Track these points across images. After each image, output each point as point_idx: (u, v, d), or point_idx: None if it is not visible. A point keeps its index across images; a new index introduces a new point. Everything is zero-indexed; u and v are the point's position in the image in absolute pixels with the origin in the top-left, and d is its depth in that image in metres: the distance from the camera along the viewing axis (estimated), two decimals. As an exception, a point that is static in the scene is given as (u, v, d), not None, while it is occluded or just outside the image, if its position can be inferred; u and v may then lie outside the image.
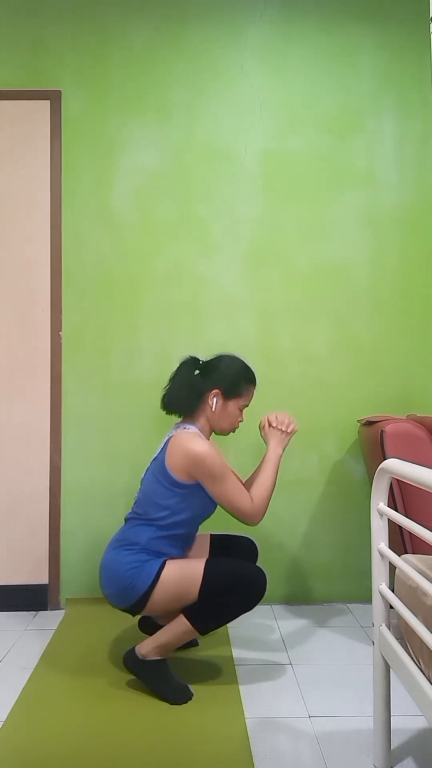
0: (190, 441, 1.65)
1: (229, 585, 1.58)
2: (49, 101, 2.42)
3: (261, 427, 1.83)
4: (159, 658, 1.64)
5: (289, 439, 1.81)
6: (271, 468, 1.74)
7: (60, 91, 2.43)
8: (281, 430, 1.79)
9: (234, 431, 1.82)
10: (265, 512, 1.71)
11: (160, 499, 1.68)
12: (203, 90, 2.46)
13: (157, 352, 2.40)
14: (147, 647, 1.64)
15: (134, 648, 1.67)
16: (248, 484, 1.77)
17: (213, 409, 1.75)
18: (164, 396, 1.78)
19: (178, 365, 1.81)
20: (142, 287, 2.42)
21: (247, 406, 1.80)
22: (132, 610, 1.65)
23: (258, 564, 1.66)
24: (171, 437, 1.72)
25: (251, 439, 2.32)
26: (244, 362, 1.82)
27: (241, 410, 1.79)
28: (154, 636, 1.66)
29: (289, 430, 1.79)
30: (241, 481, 1.80)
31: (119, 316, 2.41)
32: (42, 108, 2.42)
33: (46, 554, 2.34)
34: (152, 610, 1.64)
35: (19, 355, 2.38)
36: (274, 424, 1.79)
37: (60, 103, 2.42)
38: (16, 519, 2.34)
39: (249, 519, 1.68)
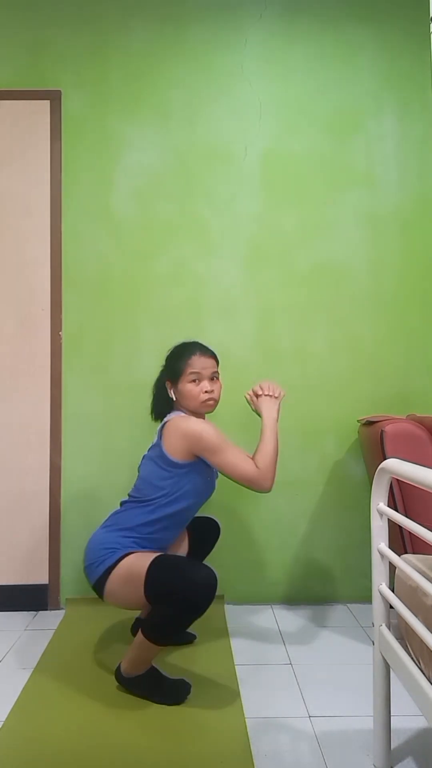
0: (184, 421, 1.70)
1: (171, 591, 1.50)
2: (49, 101, 2.42)
3: (249, 402, 1.86)
4: (142, 672, 1.63)
5: (280, 404, 1.82)
6: (270, 433, 1.74)
7: (60, 91, 2.43)
8: (270, 395, 1.81)
9: (210, 404, 1.76)
10: (273, 477, 1.68)
11: (157, 480, 1.70)
12: (203, 90, 2.46)
13: (157, 352, 2.38)
14: (125, 665, 1.64)
15: (119, 667, 1.67)
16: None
17: (175, 399, 1.79)
18: (151, 407, 1.88)
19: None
20: (142, 287, 2.42)
21: (199, 374, 1.74)
22: (96, 590, 1.65)
23: (209, 565, 1.56)
24: (165, 423, 1.75)
25: (251, 441, 2.32)
26: (179, 343, 1.85)
27: (196, 382, 1.74)
28: (126, 654, 1.65)
29: (277, 395, 1.82)
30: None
31: (119, 316, 2.41)
32: (42, 108, 2.42)
33: (46, 554, 2.34)
34: (111, 596, 1.62)
35: (19, 355, 2.38)
36: (260, 393, 1.82)
37: (60, 103, 2.43)
38: (16, 519, 2.34)
39: (257, 484, 1.66)
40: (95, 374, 2.39)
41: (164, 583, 1.52)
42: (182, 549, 1.92)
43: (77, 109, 2.44)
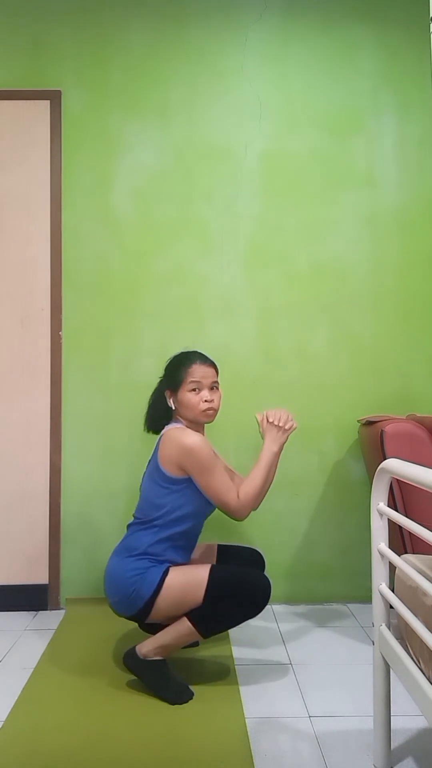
0: (181, 434, 1.68)
1: (233, 590, 1.58)
2: (49, 101, 2.42)
3: (259, 423, 1.80)
4: (159, 658, 1.64)
5: (287, 437, 1.76)
6: (263, 466, 1.72)
7: (60, 91, 2.43)
8: (278, 426, 1.75)
9: (209, 413, 1.73)
10: (250, 509, 1.70)
11: (156, 498, 1.69)
12: (203, 90, 2.45)
13: (157, 352, 2.40)
14: (148, 647, 1.64)
15: (134, 648, 1.67)
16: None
17: (174, 407, 1.78)
18: (144, 419, 1.85)
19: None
20: (142, 287, 2.42)
21: (199, 383, 1.72)
22: (137, 618, 1.65)
23: (263, 572, 1.66)
24: (162, 435, 1.74)
25: (250, 439, 2.32)
26: (180, 352, 1.84)
27: (196, 391, 1.72)
28: (155, 636, 1.65)
29: (287, 427, 1.75)
30: (239, 477, 1.82)
31: (119, 316, 2.41)
32: (42, 108, 2.42)
33: (46, 554, 2.34)
34: (157, 616, 1.63)
35: (19, 355, 2.38)
36: (271, 420, 1.76)
37: (60, 103, 2.42)
38: (16, 519, 2.34)
39: (233, 513, 1.68)
40: (95, 374, 2.39)
41: (226, 588, 1.58)
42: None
43: (77, 109, 2.44)
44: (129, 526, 1.78)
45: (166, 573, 1.61)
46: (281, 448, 1.76)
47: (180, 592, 1.59)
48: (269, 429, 1.76)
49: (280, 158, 2.45)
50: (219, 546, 1.93)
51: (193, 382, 1.72)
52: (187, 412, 1.74)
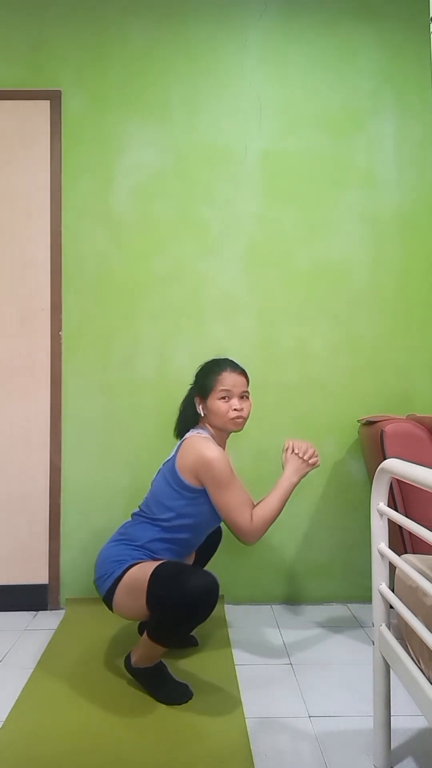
0: (202, 445, 1.66)
1: (172, 597, 1.49)
2: (49, 101, 2.42)
3: (284, 450, 1.77)
4: (150, 665, 1.64)
5: (308, 472, 1.75)
6: (280, 493, 1.69)
7: (60, 90, 2.43)
8: (302, 459, 1.73)
9: (238, 422, 1.74)
10: (261, 535, 1.67)
11: (166, 500, 1.69)
12: (203, 90, 2.45)
13: (157, 352, 2.40)
14: (134, 657, 1.66)
15: (129, 654, 1.69)
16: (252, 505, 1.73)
17: (203, 414, 1.77)
18: (175, 427, 1.86)
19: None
20: (142, 287, 2.41)
21: (229, 392, 1.73)
22: (106, 602, 1.65)
23: (210, 571, 1.55)
24: (184, 440, 1.73)
25: (251, 442, 2.33)
26: (211, 360, 1.83)
27: (226, 399, 1.73)
28: (136, 646, 1.67)
29: (311, 462, 1.74)
30: (250, 500, 1.75)
31: (119, 316, 2.41)
32: (42, 108, 2.42)
33: (46, 554, 2.34)
34: (119, 609, 1.62)
35: (19, 355, 2.38)
36: (296, 452, 1.74)
37: (60, 103, 2.42)
38: (16, 519, 2.34)
39: (244, 536, 1.65)
40: (95, 374, 2.39)
41: (164, 591, 1.50)
42: (189, 557, 1.91)
43: (77, 109, 2.43)
44: (133, 515, 1.79)
45: (131, 566, 1.61)
46: (300, 480, 1.74)
47: (130, 588, 1.57)
48: (293, 459, 1.74)
49: (280, 158, 2.45)
50: None
51: (223, 390, 1.72)
52: (216, 419, 1.74)
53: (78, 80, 2.44)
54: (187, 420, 1.82)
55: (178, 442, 1.77)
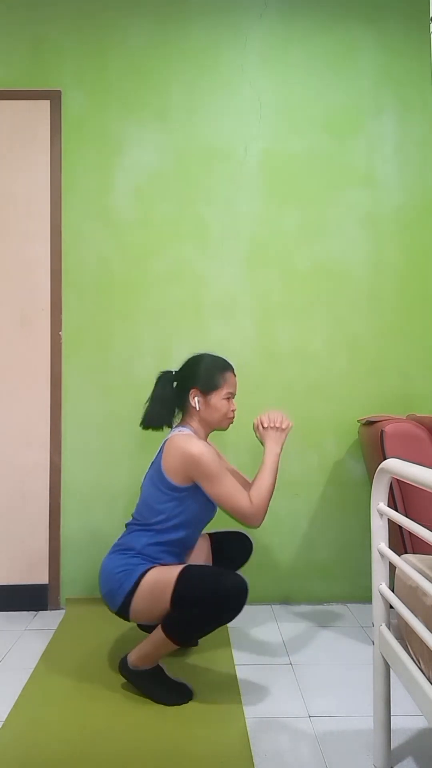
0: (185, 442, 1.66)
1: (201, 598, 1.51)
2: (49, 101, 2.42)
3: (255, 429, 1.82)
4: (148, 667, 1.63)
5: (286, 436, 1.79)
6: (269, 469, 1.72)
7: (60, 91, 2.43)
8: (276, 427, 1.78)
9: (231, 423, 1.80)
10: (265, 514, 1.68)
11: (156, 503, 1.68)
12: (203, 90, 2.46)
13: (157, 352, 2.40)
14: (133, 657, 1.64)
15: (126, 657, 1.67)
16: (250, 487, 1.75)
17: (198, 408, 1.77)
18: (143, 414, 1.81)
19: (155, 383, 1.84)
20: (142, 287, 2.42)
21: (233, 394, 1.80)
22: (121, 614, 1.64)
23: (238, 573, 1.57)
24: (166, 441, 1.72)
25: (249, 439, 2.32)
26: (212, 355, 1.84)
27: (228, 399, 1.77)
28: (138, 646, 1.65)
29: (283, 427, 1.78)
30: (246, 482, 1.80)
31: (119, 316, 2.41)
32: (42, 108, 2.42)
33: (46, 554, 2.34)
34: (137, 616, 1.62)
35: (19, 355, 2.38)
36: (266, 424, 1.78)
37: (60, 103, 2.43)
38: (16, 519, 2.34)
39: (248, 520, 1.66)
40: (95, 374, 2.39)
41: (194, 591, 1.52)
42: (201, 561, 1.88)
43: (77, 109, 2.44)
44: (128, 525, 1.78)
45: (146, 572, 1.60)
46: (282, 448, 1.78)
47: (151, 593, 1.57)
48: (267, 432, 1.78)
49: (280, 158, 2.45)
50: (210, 535, 1.94)
51: (229, 392, 1.78)
52: (215, 416, 1.76)
53: (78, 80, 2.44)
54: (165, 409, 1.79)
55: (162, 443, 1.75)
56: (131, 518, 1.79)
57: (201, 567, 1.65)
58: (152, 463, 1.77)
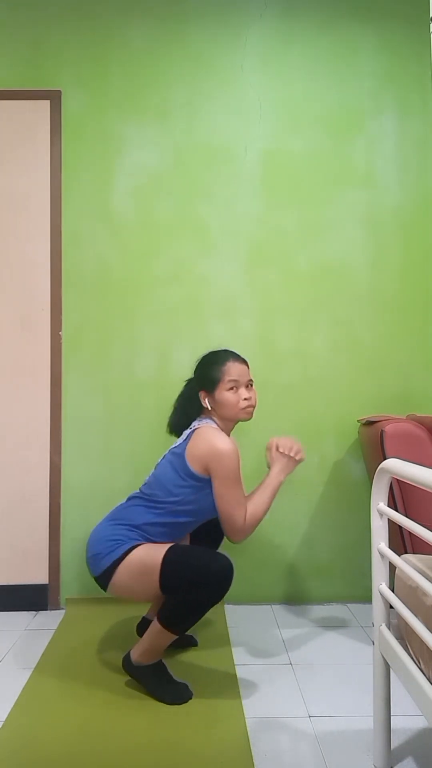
0: (216, 436, 1.66)
1: (189, 579, 1.52)
2: (49, 101, 2.42)
3: (268, 449, 1.79)
4: (151, 662, 1.64)
5: (294, 467, 1.76)
6: (269, 492, 1.71)
7: (60, 90, 2.43)
8: (288, 456, 1.75)
9: (249, 411, 1.75)
10: (250, 533, 1.69)
11: (171, 485, 1.68)
12: (203, 90, 2.45)
13: (157, 352, 2.40)
14: (136, 653, 1.65)
15: (129, 652, 1.68)
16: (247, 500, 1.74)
17: (210, 408, 1.77)
18: (168, 420, 1.85)
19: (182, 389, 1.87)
20: (142, 287, 2.42)
21: (237, 382, 1.73)
22: (100, 582, 1.64)
23: (224, 553, 1.60)
24: (195, 429, 1.72)
25: (251, 442, 2.32)
26: (211, 351, 1.83)
27: (234, 389, 1.73)
28: (139, 642, 1.66)
29: (297, 458, 1.75)
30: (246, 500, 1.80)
31: (119, 316, 2.41)
32: (42, 108, 2.42)
33: (46, 554, 2.34)
34: (116, 588, 1.62)
35: (19, 355, 2.38)
36: (281, 450, 1.75)
37: (60, 102, 2.42)
38: (16, 519, 2.34)
39: (235, 534, 1.68)
40: (95, 374, 2.39)
41: (181, 571, 1.53)
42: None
43: (77, 109, 2.44)
44: (131, 497, 1.78)
45: (134, 547, 1.61)
46: (286, 477, 1.76)
47: (136, 569, 1.57)
48: (279, 457, 1.75)
49: (280, 158, 2.45)
50: None
51: (231, 381, 1.73)
52: (227, 410, 1.73)
53: (78, 80, 2.44)
54: (190, 416, 1.80)
55: (189, 430, 1.75)
56: (137, 491, 1.78)
57: (185, 548, 1.63)
58: (174, 447, 1.76)
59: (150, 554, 1.59)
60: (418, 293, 2.45)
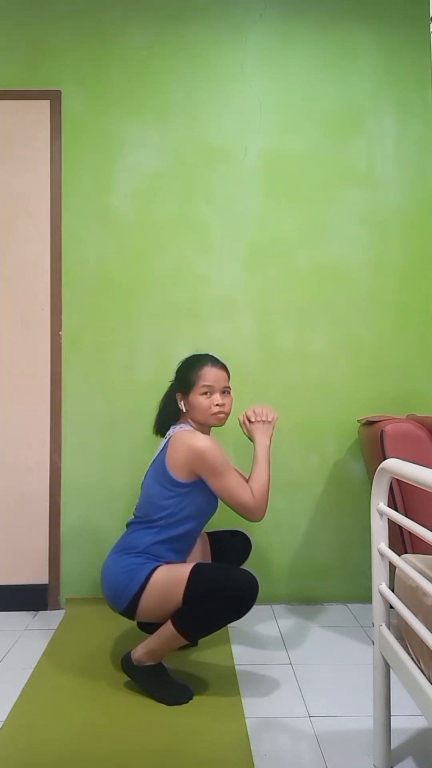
0: (191, 437, 1.67)
1: (214, 592, 1.54)
2: (49, 101, 2.42)
3: (242, 425, 1.83)
4: (152, 663, 1.64)
5: (273, 428, 1.80)
6: (263, 462, 1.74)
7: (60, 90, 2.43)
8: (263, 421, 1.79)
9: (220, 417, 1.74)
10: (266, 507, 1.69)
11: (159, 499, 1.68)
12: (203, 90, 2.45)
13: (157, 352, 2.40)
14: (139, 653, 1.64)
15: (129, 652, 1.67)
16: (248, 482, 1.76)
17: (185, 410, 1.77)
18: (154, 423, 1.85)
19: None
20: (142, 287, 2.42)
21: (211, 387, 1.72)
22: (127, 614, 1.65)
23: (247, 569, 1.61)
24: (170, 437, 1.72)
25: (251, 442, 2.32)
26: (192, 354, 1.84)
27: (207, 395, 1.72)
28: (145, 641, 1.65)
29: (270, 419, 1.79)
30: (244, 478, 1.81)
31: (119, 316, 2.41)
32: (42, 108, 2.42)
33: (46, 554, 2.34)
34: (144, 614, 1.62)
35: (19, 355, 2.38)
36: (253, 419, 1.80)
37: (60, 103, 2.42)
38: (16, 519, 2.34)
39: (252, 514, 1.67)
40: (95, 374, 2.39)
41: (206, 586, 1.54)
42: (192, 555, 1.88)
43: (77, 109, 2.44)
44: (129, 524, 1.78)
45: (153, 570, 1.61)
46: (271, 440, 1.79)
47: (162, 591, 1.58)
48: (255, 426, 1.79)
49: (280, 158, 2.45)
50: (208, 534, 1.94)
51: (204, 386, 1.73)
52: (198, 415, 1.74)
53: (78, 80, 2.44)
54: (169, 416, 1.82)
55: (164, 440, 1.76)
56: (132, 517, 1.79)
57: (212, 564, 1.68)
58: (154, 460, 1.77)
59: (173, 574, 1.59)
60: (418, 293, 2.45)
